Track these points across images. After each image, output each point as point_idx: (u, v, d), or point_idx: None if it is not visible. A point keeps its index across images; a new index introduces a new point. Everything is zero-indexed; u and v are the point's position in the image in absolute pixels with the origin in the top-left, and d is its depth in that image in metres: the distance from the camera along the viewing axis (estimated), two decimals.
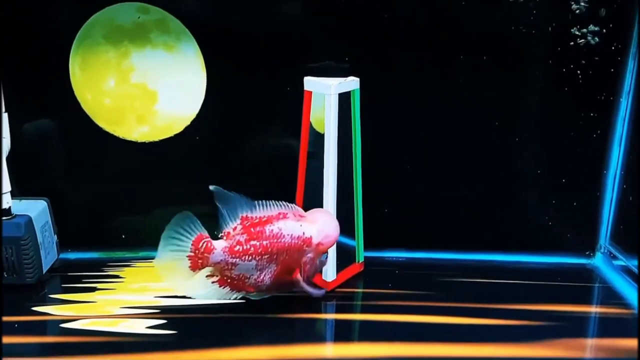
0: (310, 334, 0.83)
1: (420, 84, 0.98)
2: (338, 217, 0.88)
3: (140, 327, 0.81)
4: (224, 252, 0.79)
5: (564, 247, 1.03)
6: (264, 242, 0.79)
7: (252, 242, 0.79)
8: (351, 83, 0.89)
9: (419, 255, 1.04)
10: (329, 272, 0.91)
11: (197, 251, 0.78)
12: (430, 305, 0.88)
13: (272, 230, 0.80)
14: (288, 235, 0.80)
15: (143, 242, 1.03)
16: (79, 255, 1.02)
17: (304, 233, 0.81)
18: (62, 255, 0.99)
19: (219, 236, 0.81)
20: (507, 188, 1.02)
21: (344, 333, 0.83)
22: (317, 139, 0.89)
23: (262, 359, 0.75)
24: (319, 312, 0.87)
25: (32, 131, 0.98)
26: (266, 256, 0.80)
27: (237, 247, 0.79)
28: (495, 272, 0.99)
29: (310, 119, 0.90)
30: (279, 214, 0.81)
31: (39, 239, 0.90)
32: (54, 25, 0.95)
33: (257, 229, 0.79)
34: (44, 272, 0.92)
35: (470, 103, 0.98)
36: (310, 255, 0.82)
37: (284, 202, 0.82)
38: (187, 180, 1.01)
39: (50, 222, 0.95)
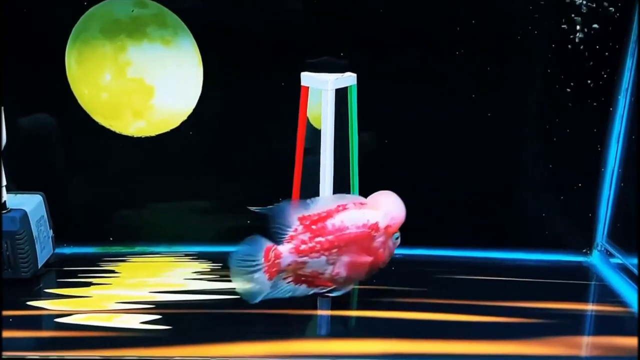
0: (306, 330, 0.83)
1: (419, 82, 0.97)
2: None
3: (134, 322, 0.81)
4: (291, 254, 0.80)
5: (561, 245, 1.03)
6: (329, 237, 0.80)
7: (317, 239, 0.80)
8: (348, 78, 0.89)
9: (416, 252, 1.04)
10: None
11: (269, 262, 0.79)
12: (426, 302, 0.87)
13: (334, 224, 0.80)
14: (352, 225, 0.81)
15: (139, 237, 1.03)
16: (75, 250, 1.02)
17: (368, 220, 0.82)
18: (58, 250, 0.99)
19: (283, 242, 0.81)
20: (504, 185, 1.02)
21: (340, 329, 0.83)
22: (314, 135, 0.89)
23: (257, 354, 0.75)
24: (315, 308, 0.87)
25: (28, 126, 0.98)
26: (334, 250, 0.80)
27: (302, 246, 0.80)
28: (491, 270, 0.99)
29: (308, 115, 0.90)
30: (338, 206, 0.82)
31: (35, 234, 0.90)
32: (50, 19, 0.94)
33: (319, 225, 0.80)
34: (39, 266, 0.91)
35: (467, 101, 0.98)
36: (381, 239, 0.83)
37: (342, 194, 0.84)
38: (184, 175, 1.01)
39: (45, 216, 0.95)
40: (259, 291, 0.80)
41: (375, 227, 0.82)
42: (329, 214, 0.81)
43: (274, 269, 0.80)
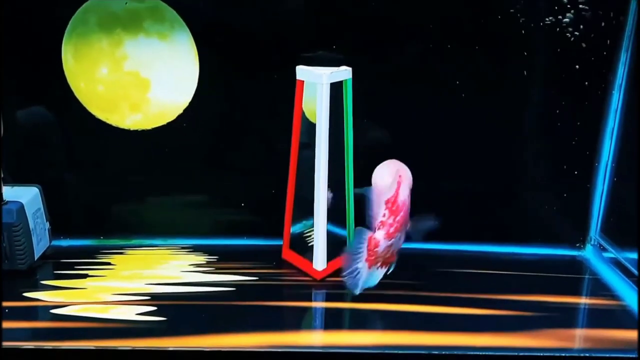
0: (300, 321, 0.84)
1: (419, 81, 0.98)
2: (330, 207, 0.90)
3: (130, 313, 0.81)
4: (385, 239, 0.83)
5: (555, 239, 1.04)
6: (401, 213, 0.84)
7: (397, 219, 0.83)
8: (343, 72, 0.89)
9: (412, 245, 1.04)
10: (319, 262, 0.91)
11: (370, 251, 0.82)
12: (420, 295, 0.88)
13: (401, 200, 0.84)
14: (407, 196, 0.85)
15: (135, 229, 1.04)
16: (71, 242, 1.03)
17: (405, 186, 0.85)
18: (55, 242, 0.99)
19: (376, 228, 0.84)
20: (498, 180, 1.02)
21: (334, 321, 0.84)
22: (310, 128, 0.89)
23: (251, 345, 0.75)
24: (309, 300, 0.88)
25: (25, 119, 0.98)
26: (403, 224, 0.84)
27: (391, 229, 0.83)
28: (486, 263, 0.99)
29: (303, 109, 0.91)
30: (397, 183, 0.84)
31: (31, 226, 0.91)
32: (46, 13, 0.95)
33: (395, 206, 0.84)
34: (35, 258, 0.92)
35: (464, 97, 0.98)
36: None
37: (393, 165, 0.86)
38: (180, 168, 1.02)
39: (42, 208, 0.95)
40: (362, 280, 0.83)
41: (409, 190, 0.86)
42: (397, 192, 0.84)
43: (373, 257, 0.83)
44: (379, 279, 0.85)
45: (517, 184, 1.03)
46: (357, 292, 0.84)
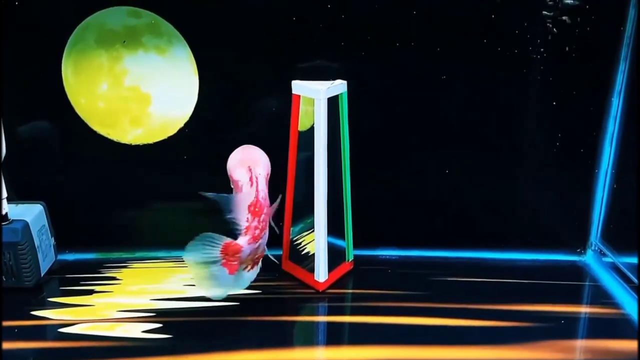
0: (303, 336, 0.85)
1: (418, 81, 0.98)
2: (328, 216, 0.91)
3: (136, 331, 0.83)
4: (249, 244, 0.82)
5: (556, 245, 1.04)
6: (265, 210, 0.84)
7: (261, 219, 0.83)
8: (339, 86, 0.89)
9: (411, 253, 1.05)
10: (321, 273, 0.92)
11: (227, 257, 0.81)
12: (420, 306, 0.89)
13: (261, 197, 0.84)
14: (265, 189, 0.85)
15: (139, 242, 1.05)
16: (77, 257, 1.04)
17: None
18: (60, 257, 1.00)
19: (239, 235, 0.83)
20: (498, 186, 1.02)
21: (336, 335, 0.85)
22: (307, 140, 0.90)
23: None
24: (313, 314, 0.89)
25: (27, 135, 0.99)
26: (266, 219, 0.84)
27: (256, 232, 0.83)
28: (486, 270, 1.00)
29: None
30: (255, 181, 0.85)
31: (36, 243, 0.92)
32: (46, 31, 0.95)
33: (257, 207, 0.83)
34: (42, 275, 0.93)
35: (460, 103, 0.98)
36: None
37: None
38: (182, 180, 1.02)
39: (47, 225, 0.96)
40: (224, 286, 0.82)
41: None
42: (258, 192, 0.84)
43: (235, 263, 0.81)
44: (251, 280, 0.85)
45: (516, 190, 1.03)
46: (222, 296, 0.83)
